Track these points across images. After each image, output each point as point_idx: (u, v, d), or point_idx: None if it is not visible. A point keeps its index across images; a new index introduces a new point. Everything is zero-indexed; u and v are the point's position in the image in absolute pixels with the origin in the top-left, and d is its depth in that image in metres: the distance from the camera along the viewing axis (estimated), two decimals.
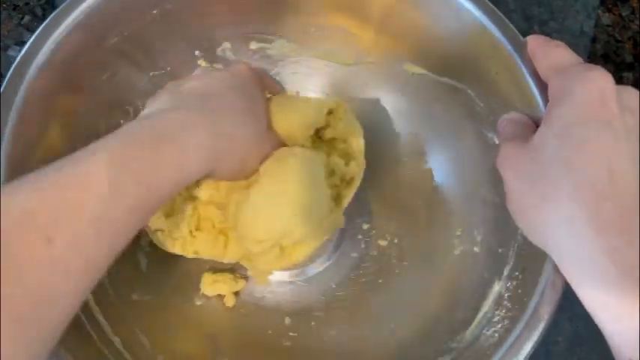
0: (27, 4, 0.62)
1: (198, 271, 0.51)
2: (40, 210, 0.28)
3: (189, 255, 0.47)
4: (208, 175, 0.39)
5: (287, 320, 0.51)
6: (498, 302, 0.43)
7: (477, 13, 0.44)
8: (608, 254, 0.30)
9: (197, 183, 0.47)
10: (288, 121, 0.47)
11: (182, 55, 0.52)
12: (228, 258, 0.49)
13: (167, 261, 0.48)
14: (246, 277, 0.52)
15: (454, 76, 0.49)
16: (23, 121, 0.42)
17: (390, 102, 0.54)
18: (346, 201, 0.49)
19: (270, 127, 0.46)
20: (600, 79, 0.33)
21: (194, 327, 0.50)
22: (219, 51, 0.53)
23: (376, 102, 0.54)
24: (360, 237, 0.54)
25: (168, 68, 0.51)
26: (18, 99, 0.42)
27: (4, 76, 0.42)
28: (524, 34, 0.42)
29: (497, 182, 0.45)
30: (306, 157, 0.46)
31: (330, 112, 0.50)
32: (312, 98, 0.54)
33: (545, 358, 0.56)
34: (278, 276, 0.53)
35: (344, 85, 0.55)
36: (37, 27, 0.43)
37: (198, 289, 0.51)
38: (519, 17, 0.64)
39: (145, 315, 0.47)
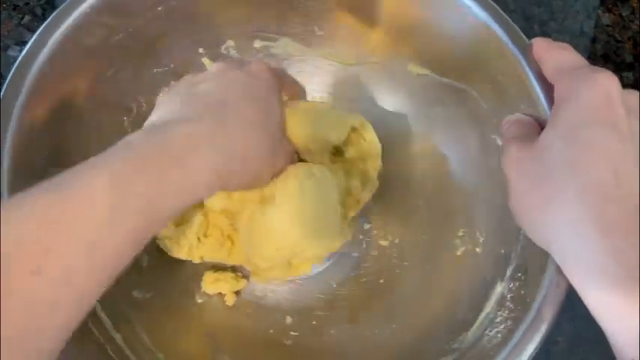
0: (27, 4, 0.62)
1: (200, 270, 0.51)
2: (31, 239, 0.27)
3: (196, 260, 0.48)
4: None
5: (288, 319, 0.51)
6: (501, 303, 0.43)
7: (481, 14, 0.44)
8: (612, 255, 0.30)
9: None
10: (305, 134, 0.46)
11: (186, 52, 0.52)
12: (232, 261, 0.49)
13: (168, 259, 0.48)
14: (247, 277, 0.52)
15: (458, 77, 0.49)
16: (25, 121, 0.42)
17: (394, 102, 0.54)
18: (352, 214, 0.50)
19: (285, 135, 0.44)
20: (606, 81, 0.33)
21: (195, 325, 0.50)
22: (223, 49, 0.53)
23: (379, 102, 0.54)
24: (361, 237, 0.54)
25: (172, 65, 0.51)
26: (19, 99, 0.42)
27: (5, 77, 0.42)
28: (525, 35, 0.42)
29: (499, 183, 0.45)
30: (325, 179, 0.46)
31: (353, 130, 0.49)
32: (335, 111, 0.51)
33: (545, 358, 0.56)
34: None
35: (347, 85, 0.55)
36: (37, 27, 0.43)
37: (200, 288, 0.51)
38: (519, 17, 0.64)
39: (145, 312, 0.47)
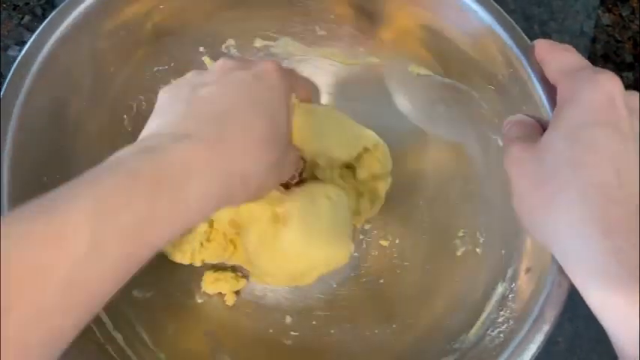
0: (27, 4, 0.61)
1: (200, 270, 0.51)
2: (3, 274, 0.24)
3: (197, 264, 0.48)
4: None
5: (288, 319, 0.51)
6: (502, 303, 0.43)
7: (483, 14, 0.44)
8: (614, 255, 0.30)
9: None
10: (315, 148, 0.45)
11: (186, 51, 0.52)
12: (232, 261, 0.49)
13: (169, 259, 0.48)
14: (247, 276, 0.52)
15: (459, 77, 0.49)
16: (25, 121, 0.42)
17: (394, 103, 0.54)
18: (356, 226, 0.51)
19: (292, 143, 0.41)
20: (609, 82, 0.33)
21: (195, 325, 0.50)
22: (223, 48, 0.53)
23: (380, 102, 0.54)
24: (361, 237, 0.54)
25: (173, 64, 0.51)
26: (19, 99, 0.42)
27: (5, 77, 0.42)
28: (525, 35, 0.42)
29: (500, 183, 0.45)
30: (341, 203, 0.46)
31: (365, 150, 0.49)
32: (349, 123, 0.49)
33: (545, 358, 0.56)
34: None
35: (348, 85, 0.55)
36: (37, 27, 0.43)
37: (200, 287, 0.51)
38: (519, 17, 0.64)
39: (146, 312, 0.47)
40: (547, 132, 0.35)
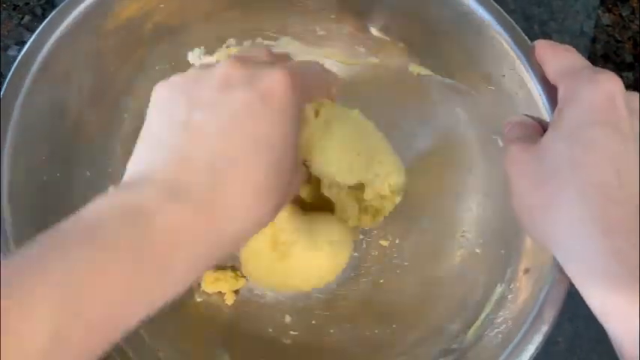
0: (27, 4, 0.61)
1: None
2: None
3: None
4: None
5: (287, 318, 0.51)
6: (501, 303, 0.43)
7: (483, 14, 0.44)
8: (614, 255, 0.30)
9: None
10: (320, 169, 0.41)
11: (187, 50, 0.52)
12: (232, 261, 0.49)
13: None
14: (246, 276, 0.52)
15: (459, 77, 0.49)
16: (25, 121, 0.42)
17: (394, 102, 0.54)
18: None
19: (298, 166, 0.38)
20: (609, 82, 0.33)
21: (194, 323, 0.50)
22: (224, 47, 0.53)
23: (379, 102, 0.54)
24: (361, 237, 0.54)
25: (173, 63, 0.51)
26: (19, 99, 0.42)
27: (5, 77, 0.42)
28: (525, 35, 0.42)
29: (500, 183, 0.45)
30: (341, 241, 0.48)
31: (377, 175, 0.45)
32: (367, 145, 0.43)
33: (545, 358, 0.56)
34: None
35: (348, 85, 0.54)
36: (37, 27, 0.43)
37: (199, 286, 0.51)
38: (519, 17, 0.64)
39: None
40: (547, 132, 0.35)
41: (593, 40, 0.64)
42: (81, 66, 0.45)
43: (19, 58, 0.42)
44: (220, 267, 0.52)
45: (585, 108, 0.33)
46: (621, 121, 0.32)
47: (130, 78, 0.49)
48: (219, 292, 0.51)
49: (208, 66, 0.33)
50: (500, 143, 0.46)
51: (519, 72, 0.43)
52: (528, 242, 0.43)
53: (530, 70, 0.42)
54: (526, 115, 0.40)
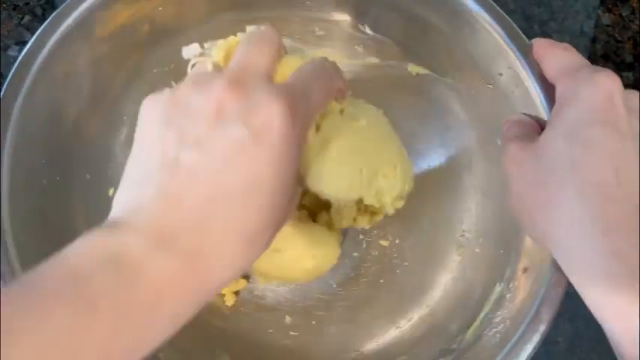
0: (27, 4, 0.62)
1: None
2: None
3: None
4: None
5: (287, 319, 0.51)
6: (500, 303, 0.43)
7: (481, 13, 0.44)
8: (613, 255, 0.30)
9: None
10: (317, 188, 0.38)
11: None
12: None
13: None
14: (247, 277, 0.52)
15: (458, 77, 0.49)
16: (25, 121, 0.42)
17: (393, 102, 0.54)
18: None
19: (295, 195, 0.35)
20: (608, 81, 0.33)
21: (194, 324, 0.49)
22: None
23: (378, 102, 0.54)
24: (361, 237, 0.54)
25: (172, 65, 0.51)
26: (19, 100, 0.42)
27: (5, 77, 0.42)
28: (525, 35, 0.42)
29: (499, 183, 0.45)
30: (329, 244, 0.47)
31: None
32: (371, 157, 0.40)
33: (545, 358, 0.56)
34: None
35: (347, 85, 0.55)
36: (37, 27, 0.43)
37: None
38: (519, 17, 0.64)
39: None
40: (545, 131, 0.35)
41: (593, 40, 0.64)
42: (81, 67, 0.45)
43: (20, 58, 0.42)
44: None
45: (584, 107, 0.33)
46: (620, 119, 0.32)
47: (128, 80, 0.49)
48: (219, 293, 0.51)
49: (203, 81, 0.31)
50: (499, 142, 0.46)
51: (517, 70, 0.43)
52: (527, 241, 0.43)
53: (528, 69, 0.42)
54: (524, 113, 0.40)
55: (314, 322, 0.51)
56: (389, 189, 0.40)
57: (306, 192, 0.40)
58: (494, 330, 0.42)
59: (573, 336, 0.56)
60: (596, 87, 0.33)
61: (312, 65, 0.34)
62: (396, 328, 0.49)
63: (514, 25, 0.43)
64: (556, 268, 0.38)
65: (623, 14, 0.65)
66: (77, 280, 0.25)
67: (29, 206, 0.43)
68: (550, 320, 0.39)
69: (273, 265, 0.46)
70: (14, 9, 0.61)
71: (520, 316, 0.40)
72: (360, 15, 0.51)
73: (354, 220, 0.46)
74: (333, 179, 0.38)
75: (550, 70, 0.37)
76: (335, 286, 0.53)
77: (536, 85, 0.42)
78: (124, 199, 0.30)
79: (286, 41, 0.53)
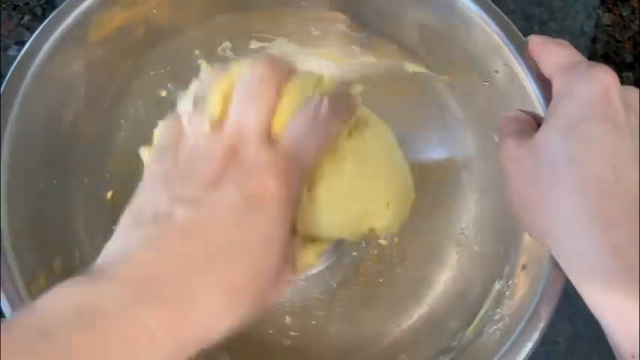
0: (27, 4, 0.62)
1: None
2: None
3: None
4: None
5: (287, 319, 0.51)
6: (499, 301, 0.43)
7: (477, 11, 0.44)
8: (611, 251, 0.30)
9: None
10: (308, 232, 0.37)
11: (182, 54, 0.52)
12: None
13: None
14: None
15: (454, 75, 0.49)
16: (23, 123, 0.42)
17: (390, 100, 0.54)
18: None
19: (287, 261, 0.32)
20: (604, 77, 0.33)
21: None
22: (219, 50, 0.53)
23: (376, 101, 0.54)
24: None
25: (169, 68, 0.51)
26: (18, 99, 0.42)
27: (4, 76, 0.42)
28: (525, 35, 0.42)
29: (497, 180, 0.45)
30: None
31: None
32: (367, 187, 0.38)
33: (545, 358, 0.56)
34: None
35: (344, 84, 0.55)
36: (37, 27, 0.43)
37: None
38: (519, 17, 0.64)
39: None
40: (542, 127, 0.35)
41: (593, 40, 0.64)
42: (78, 69, 0.46)
43: (19, 58, 0.42)
44: None
45: (581, 103, 0.33)
46: (617, 115, 0.32)
47: (126, 82, 0.49)
48: None
49: (202, 144, 0.32)
50: (497, 139, 0.46)
51: (513, 67, 0.43)
52: (526, 239, 0.43)
53: (524, 66, 0.42)
54: (520, 110, 0.40)
55: (314, 322, 0.51)
56: (381, 226, 0.39)
57: None
58: (494, 327, 0.42)
59: (573, 336, 0.56)
60: (592, 82, 0.33)
61: (306, 116, 0.33)
62: (396, 327, 0.49)
63: (509, 21, 0.43)
64: (554, 264, 0.38)
65: (624, 14, 0.65)
66: (47, 335, 0.24)
67: (27, 209, 0.43)
68: (549, 317, 0.39)
69: None
70: (14, 9, 0.61)
71: (519, 313, 0.40)
72: (355, 14, 0.51)
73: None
74: (321, 225, 0.37)
75: (546, 67, 0.37)
76: (335, 285, 0.53)
77: (532, 81, 0.42)
78: (112, 247, 0.30)
79: (282, 42, 0.54)
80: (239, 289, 0.29)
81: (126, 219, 0.31)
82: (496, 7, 0.44)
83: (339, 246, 0.54)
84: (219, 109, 0.33)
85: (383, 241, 0.53)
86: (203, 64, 0.52)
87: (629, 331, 0.30)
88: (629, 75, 0.64)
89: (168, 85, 0.52)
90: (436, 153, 0.53)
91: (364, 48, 0.53)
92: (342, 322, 0.51)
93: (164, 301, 0.27)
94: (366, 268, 0.53)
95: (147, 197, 0.31)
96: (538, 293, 0.39)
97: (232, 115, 0.32)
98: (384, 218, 0.39)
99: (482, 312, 0.44)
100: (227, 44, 0.53)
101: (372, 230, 0.39)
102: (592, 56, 0.64)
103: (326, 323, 0.51)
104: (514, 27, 0.43)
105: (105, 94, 0.48)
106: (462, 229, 0.50)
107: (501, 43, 0.43)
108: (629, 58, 0.64)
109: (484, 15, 0.44)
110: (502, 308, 0.42)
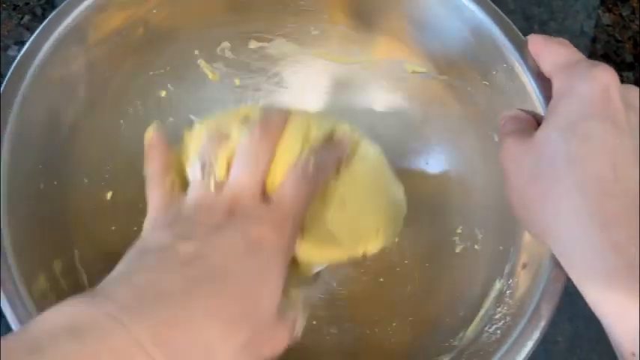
0: (27, 4, 0.62)
1: None
2: None
3: None
4: None
5: None
6: (500, 300, 0.43)
7: (477, 11, 0.44)
8: (611, 249, 0.30)
9: None
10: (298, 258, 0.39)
11: (181, 54, 0.52)
12: None
13: None
14: None
15: (454, 74, 0.49)
16: (23, 121, 0.42)
17: (390, 101, 0.54)
18: None
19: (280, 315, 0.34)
20: (604, 75, 0.33)
21: None
22: (218, 50, 0.53)
23: (376, 101, 0.54)
24: None
25: (168, 68, 0.51)
26: (18, 99, 0.42)
27: (4, 76, 0.42)
28: (525, 35, 0.42)
29: (497, 180, 0.45)
30: None
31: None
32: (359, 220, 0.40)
33: (545, 358, 0.56)
34: None
35: (344, 84, 0.55)
36: (37, 27, 0.43)
37: None
38: (519, 17, 0.64)
39: None
40: (542, 126, 0.34)
41: (594, 40, 0.64)
42: (78, 69, 0.46)
43: (19, 57, 0.42)
44: None
45: (581, 101, 0.33)
46: (617, 114, 0.32)
47: (125, 82, 0.49)
48: None
49: (206, 202, 0.35)
50: (497, 139, 0.46)
51: (513, 66, 0.43)
52: (526, 237, 0.43)
53: (523, 65, 0.42)
54: (520, 109, 0.40)
55: (314, 322, 0.51)
56: (373, 249, 0.42)
57: None
58: (495, 326, 0.42)
59: (573, 336, 0.56)
60: (592, 81, 0.33)
61: (295, 177, 0.36)
62: (397, 326, 0.49)
63: (509, 21, 0.43)
64: (555, 263, 0.38)
65: (624, 14, 0.65)
66: (32, 350, 0.24)
67: (27, 209, 0.43)
68: (550, 316, 0.39)
69: None
70: (14, 9, 0.61)
71: (520, 312, 0.40)
72: (355, 14, 0.51)
73: None
74: (312, 256, 0.39)
75: (546, 66, 0.37)
76: (335, 285, 0.53)
77: (532, 80, 0.42)
78: (112, 274, 0.31)
79: (281, 42, 0.54)
80: (235, 320, 0.30)
81: (130, 253, 0.32)
82: (496, 7, 0.44)
83: None
84: (223, 173, 0.36)
85: None
86: (202, 65, 0.52)
87: (630, 330, 0.30)
88: (629, 75, 0.64)
89: (168, 85, 0.52)
90: (436, 152, 0.53)
91: (363, 48, 0.53)
92: (342, 322, 0.51)
93: (159, 318, 0.27)
94: (367, 267, 0.53)
95: (152, 236, 0.34)
96: (539, 292, 0.39)
97: (234, 173, 0.36)
98: (376, 242, 0.42)
99: (482, 311, 0.44)
100: (226, 44, 0.53)
101: (365, 253, 0.41)
102: (592, 56, 0.64)
103: (326, 323, 0.51)
104: (514, 27, 0.43)
105: (105, 95, 0.48)
106: (463, 228, 0.50)
107: (501, 43, 0.43)
108: (629, 58, 0.64)
109: (484, 15, 0.44)
110: (503, 307, 0.42)
